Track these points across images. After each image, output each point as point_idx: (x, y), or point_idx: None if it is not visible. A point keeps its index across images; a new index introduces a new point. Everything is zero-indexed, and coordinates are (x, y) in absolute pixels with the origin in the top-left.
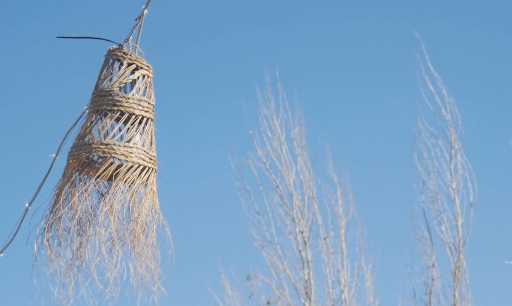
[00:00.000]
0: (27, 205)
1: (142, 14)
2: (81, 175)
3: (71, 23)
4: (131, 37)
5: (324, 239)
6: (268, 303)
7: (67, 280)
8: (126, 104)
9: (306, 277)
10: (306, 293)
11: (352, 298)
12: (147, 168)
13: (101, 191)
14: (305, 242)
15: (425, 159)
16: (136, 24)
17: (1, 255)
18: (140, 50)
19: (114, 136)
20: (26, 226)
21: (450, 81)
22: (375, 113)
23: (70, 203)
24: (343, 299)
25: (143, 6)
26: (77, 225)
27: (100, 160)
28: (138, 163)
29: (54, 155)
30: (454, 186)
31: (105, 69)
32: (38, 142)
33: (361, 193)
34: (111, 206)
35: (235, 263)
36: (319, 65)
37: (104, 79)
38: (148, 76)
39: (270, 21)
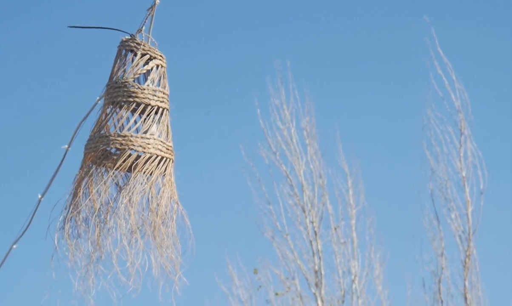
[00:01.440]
0: (39, 196)
1: (154, 4)
2: (99, 168)
3: (74, 20)
4: (143, 27)
5: (335, 228)
6: (276, 294)
7: (87, 272)
8: (141, 95)
9: (316, 267)
10: (316, 283)
11: (363, 288)
12: (164, 158)
13: (119, 183)
14: (315, 232)
15: (434, 146)
16: (148, 14)
17: (14, 246)
18: (153, 40)
19: (130, 128)
20: (38, 218)
21: (459, 66)
22: (382, 105)
23: (90, 196)
24: (354, 289)
25: None
26: (97, 217)
27: (118, 152)
28: (156, 154)
29: (66, 146)
30: (464, 174)
31: (119, 60)
32: (50, 134)
33: (371, 183)
34: (130, 198)
35: (244, 254)
36: (329, 55)
37: (118, 71)
38: (162, 66)
39: (282, 13)
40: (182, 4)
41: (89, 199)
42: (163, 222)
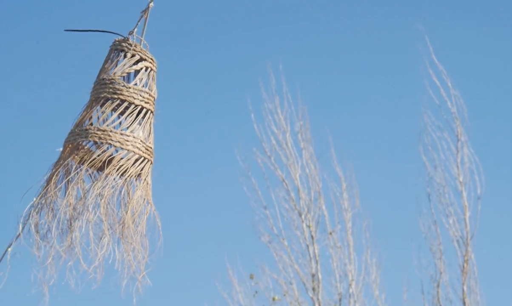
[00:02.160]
0: (35, 199)
1: (148, 7)
2: (75, 161)
3: (74, 20)
4: (135, 29)
5: (330, 233)
6: (274, 299)
7: (49, 260)
8: (126, 93)
9: (313, 271)
10: (314, 288)
11: (360, 292)
12: (142, 158)
13: (93, 179)
14: (312, 236)
15: (431, 152)
16: (142, 17)
17: (9, 250)
18: (145, 42)
19: (112, 124)
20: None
21: (455, 73)
22: (379, 107)
23: (59, 185)
24: (351, 293)
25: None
26: (66, 208)
27: (95, 148)
28: (133, 152)
29: (61, 148)
30: (461, 179)
31: (109, 60)
32: (48, 134)
33: (367, 187)
34: (102, 192)
35: (242, 259)
36: (322, 59)
37: (107, 69)
38: (151, 69)
39: (273, 16)
40: (176, 6)
41: (59, 189)
42: (133, 220)
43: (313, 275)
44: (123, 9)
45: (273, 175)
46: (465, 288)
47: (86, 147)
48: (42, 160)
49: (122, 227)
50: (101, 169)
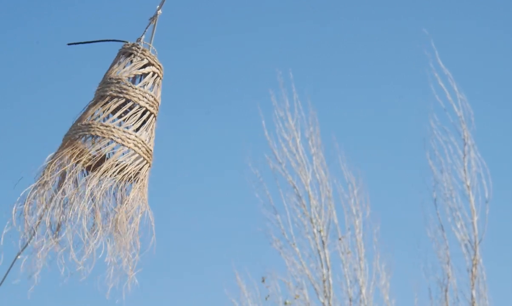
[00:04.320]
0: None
1: (156, 14)
2: (75, 154)
3: (79, 24)
4: (143, 36)
5: (340, 239)
6: (286, 303)
7: (41, 249)
8: (132, 93)
9: (324, 276)
10: (325, 293)
11: (370, 297)
12: (141, 158)
13: (92, 172)
14: (323, 242)
15: (438, 156)
16: (150, 24)
17: (19, 257)
18: (154, 49)
19: (116, 122)
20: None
21: (460, 77)
22: (385, 112)
23: (56, 175)
24: (361, 298)
25: (157, 6)
26: (61, 198)
27: (98, 142)
28: (134, 150)
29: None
30: (468, 183)
31: (117, 62)
32: (51, 134)
33: (375, 192)
34: (98, 185)
35: (251, 264)
36: (330, 64)
37: (114, 70)
38: (158, 76)
39: (282, 24)
40: (186, 14)
41: (54, 179)
42: (127, 218)
43: (324, 280)
44: (123, 9)
45: (284, 181)
46: (474, 292)
47: (86, 142)
48: (43, 161)
49: (115, 223)
50: (99, 164)
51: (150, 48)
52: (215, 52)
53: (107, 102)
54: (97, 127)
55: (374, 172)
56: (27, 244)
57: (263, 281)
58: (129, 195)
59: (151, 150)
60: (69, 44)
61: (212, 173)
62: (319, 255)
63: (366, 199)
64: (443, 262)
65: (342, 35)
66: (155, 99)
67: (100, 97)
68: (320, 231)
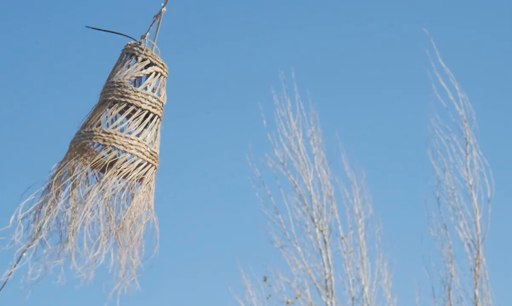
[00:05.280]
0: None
1: (161, 12)
2: (79, 162)
3: (80, 18)
4: (148, 34)
5: (342, 238)
6: (287, 303)
7: (45, 257)
8: (133, 97)
9: (327, 276)
10: (327, 292)
11: (373, 296)
12: (145, 162)
13: (96, 180)
14: (325, 241)
15: (440, 156)
16: (154, 22)
17: (24, 255)
18: (157, 48)
19: (118, 127)
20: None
21: (462, 76)
22: (386, 112)
23: (63, 184)
24: (364, 297)
25: (162, 4)
26: (64, 208)
27: (101, 149)
28: (137, 156)
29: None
30: (471, 182)
31: (120, 63)
32: (57, 137)
33: (377, 192)
34: (102, 193)
35: (255, 264)
36: (330, 65)
37: (117, 72)
38: (161, 75)
39: (284, 23)
40: (188, 12)
41: (61, 188)
42: (131, 224)
43: (326, 280)
44: (123, 10)
45: (285, 181)
46: (477, 292)
47: (91, 149)
48: (50, 162)
49: (119, 230)
50: (104, 171)
51: (154, 46)
52: (217, 51)
53: (109, 107)
54: (99, 135)
55: (376, 171)
56: (24, 250)
57: (265, 280)
58: (133, 201)
59: (155, 153)
60: (87, 27)
61: (214, 173)
62: (320, 254)
63: (368, 198)
64: (446, 261)
65: (342, 35)
66: (158, 100)
67: (103, 101)
68: (322, 231)
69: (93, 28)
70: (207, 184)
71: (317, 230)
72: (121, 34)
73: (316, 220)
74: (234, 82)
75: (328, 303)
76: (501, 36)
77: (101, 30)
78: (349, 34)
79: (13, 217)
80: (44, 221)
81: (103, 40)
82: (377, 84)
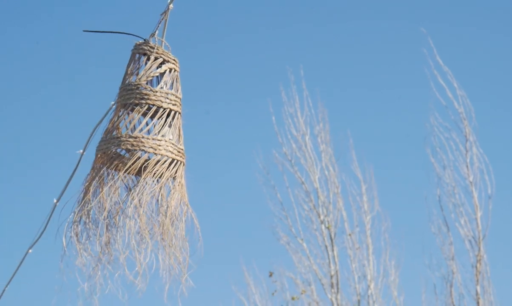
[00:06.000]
0: (55, 201)
1: (168, 9)
2: (110, 169)
3: (94, 19)
4: (156, 32)
5: (349, 235)
6: (293, 298)
7: (95, 272)
8: (153, 98)
9: (332, 272)
10: (333, 288)
11: (379, 293)
12: (175, 161)
13: (129, 185)
14: (331, 238)
15: (439, 153)
16: (162, 19)
17: (30, 251)
18: (167, 44)
19: (142, 129)
20: (54, 222)
21: (460, 74)
22: (384, 111)
23: (99, 197)
24: (370, 294)
25: (168, 1)
26: (106, 218)
27: (128, 155)
28: (167, 156)
29: (81, 151)
30: (471, 179)
31: (132, 64)
32: (65, 138)
33: (380, 190)
34: (140, 199)
35: (259, 260)
36: (335, 63)
37: (131, 74)
38: (175, 70)
39: (292, 22)
40: (196, 9)
41: (99, 200)
42: (172, 223)
43: (331, 276)
44: (124, 10)
45: (292, 177)
46: (478, 288)
47: (120, 155)
48: (59, 164)
49: (162, 231)
50: (135, 175)
51: (163, 44)
52: (226, 49)
53: (131, 110)
54: (126, 140)
55: (377, 170)
56: (38, 238)
57: (270, 275)
58: (171, 200)
59: (182, 149)
60: (84, 31)
61: (221, 169)
62: (326, 251)
63: (375, 196)
64: (447, 258)
65: (342, 36)
66: (176, 97)
67: (123, 105)
68: (328, 227)
69: (91, 31)
70: (214, 179)
71: (323, 227)
72: (121, 32)
73: (322, 217)
74: (244, 79)
75: (334, 299)
76: (499, 33)
77: (99, 32)
78: (348, 34)
79: (64, 239)
80: (86, 232)
81: (103, 40)
82: (376, 85)
